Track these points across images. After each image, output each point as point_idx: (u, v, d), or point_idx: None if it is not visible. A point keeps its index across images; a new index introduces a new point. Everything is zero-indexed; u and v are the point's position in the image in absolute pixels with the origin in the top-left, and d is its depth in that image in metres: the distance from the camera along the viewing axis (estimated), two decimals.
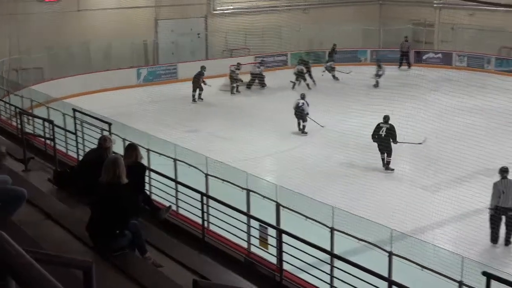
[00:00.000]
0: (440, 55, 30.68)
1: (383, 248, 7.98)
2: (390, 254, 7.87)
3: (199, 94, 24.33)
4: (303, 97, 19.89)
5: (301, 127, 19.57)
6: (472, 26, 28.80)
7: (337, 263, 7.87)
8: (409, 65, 30.32)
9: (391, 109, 16.53)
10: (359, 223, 8.74)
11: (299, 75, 25.59)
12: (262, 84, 26.55)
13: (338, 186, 13.87)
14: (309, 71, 26.12)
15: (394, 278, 7.46)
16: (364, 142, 16.48)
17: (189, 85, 24.30)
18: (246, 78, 26.24)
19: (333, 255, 8.03)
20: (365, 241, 8.25)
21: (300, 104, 19.36)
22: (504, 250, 11.34)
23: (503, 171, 11.52)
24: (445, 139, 16.31)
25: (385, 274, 7.53)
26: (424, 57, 31.05)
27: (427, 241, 9.84)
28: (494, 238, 11.36)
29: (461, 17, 29.22)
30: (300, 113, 19.37)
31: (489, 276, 6.04)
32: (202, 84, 24.10)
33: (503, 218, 11.27)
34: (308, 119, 19.38)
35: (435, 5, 32.07)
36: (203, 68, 24.45)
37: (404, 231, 10.16)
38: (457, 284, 7.25)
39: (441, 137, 16.65)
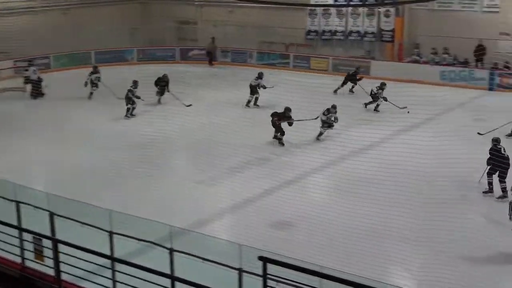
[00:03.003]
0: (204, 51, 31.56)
1: (164, 245, 7.99)
2: (171, 250, 7.91)
3: None
4: None
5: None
6: (232, 22, 30.17)
7: (119, 266, 7.72)
8: (211, 63, 30.76)
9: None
10: (140, 223, 8.67)
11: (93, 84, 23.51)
12: (39, 93, 23.61)
13: (115, 189, 13.60)
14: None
15: (177, 274, 7.52)
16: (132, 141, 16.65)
17: None
18: (10, 83, 24.36)
19: (113, 259, 7.86)
20: (144, 240, 8.19)
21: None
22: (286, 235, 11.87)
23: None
24: (216, 132, 16.92)
25: (168, 271, 7.56)
26: (189, 54, 31.72)
27: (206, 234, 10.06)
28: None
29: (222, 14, 30.49)
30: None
31: (265, 260, 6.33)
32: None
33: None
34: None
35: (196, 3, 33.00)
36: None
37: (185, 226, 10.29)
38: (237, 271, 7.49)
39: (210, 130, 17.25)
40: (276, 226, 11.82)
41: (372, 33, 29.39)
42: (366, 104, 21.25)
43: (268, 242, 10.29)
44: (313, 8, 30.46)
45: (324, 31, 30.56)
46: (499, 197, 13.17)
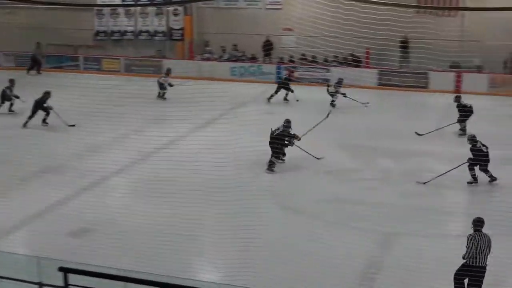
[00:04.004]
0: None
1: None
2: None
3: None
4: None
5: None
6: (14, 24, 28.33)
7: None
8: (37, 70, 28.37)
9: None
10: None
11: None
12: None
13: None
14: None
15: None
16: None
17: None
18: None
19: None
20: None
21: None
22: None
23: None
24: None
25: None
26: None
27: (3, 251, 9.37)
28: None
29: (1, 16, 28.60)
30: None
31: (65, 271, 6.05)
32: None
33: None
34: None
35: None
36: None
37: None
38: (37, 286, 7.08)
39: None
40: (76, 234, 11.32)
41: (162, 32, 29.51)
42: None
43: (69, 251, 9.85)
44: (100, 8, 29.78)
45: (113, 32, 30.06)
46: (490, 180, 13.73)
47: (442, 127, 17.39)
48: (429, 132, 17.15)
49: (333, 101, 21.09)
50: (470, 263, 8.59)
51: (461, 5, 25.03)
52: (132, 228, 11.03)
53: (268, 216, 11.60)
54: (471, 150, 13.79)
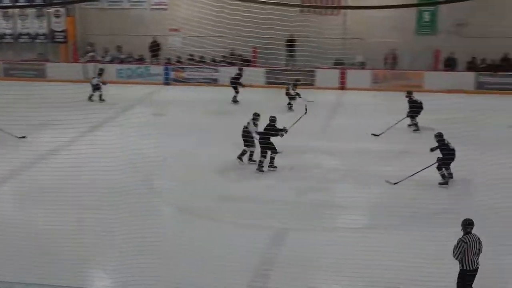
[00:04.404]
0: None
1: None
2: None
3: None
4: None
5: None
6: None
7: None
8: None
9: None
10: None
11: None
12: None
13: None
14: None
15: None
16: None
17: None
18: None
19: None
20: None
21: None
22: None
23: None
24: None
25: None
26: None
27: None
28: None
29: None
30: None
31: None
32: None
33: None
34: None
35: None
36: None
37: None
38: None
39: None
40: None
41: (44, 34, 28.41)
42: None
43: None
44: None
45: None
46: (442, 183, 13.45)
47: (394, 125, 17.43)
48: (383, 133, 17.20)
49: (290, 103, 20.87)
50: (469, 268, 8.32)
51: (342, 4, 25.80)
52: (19, 238, 10.49)
53: (162, 218, 11.40)
54: (440, 148, 13.49)
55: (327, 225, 11.43)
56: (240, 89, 21.86)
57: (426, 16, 25.49)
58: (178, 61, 26.09)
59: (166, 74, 25.80)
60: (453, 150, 13.44)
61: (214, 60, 24.94)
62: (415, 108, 17.80)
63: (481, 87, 24.05)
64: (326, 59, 21.55)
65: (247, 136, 14.87)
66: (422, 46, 24.74)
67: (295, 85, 21.25)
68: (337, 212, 12.12)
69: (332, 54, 21.74)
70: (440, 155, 13.52)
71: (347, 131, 17.74)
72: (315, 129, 17.69)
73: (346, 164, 14.61)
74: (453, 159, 13.46)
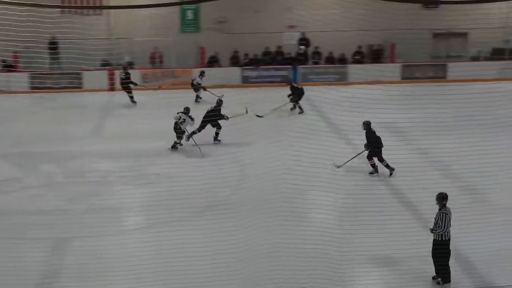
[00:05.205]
0: None
1: None
2: None
3: None
4: None
5: None
6: None
7: None
8: None
9: None
10: None
11: None
12: None
13: None
14: None
15: None
16: None
17: None
18: None
19: None
20: None
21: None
22: None
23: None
24: None
25: None
26: None
27: None
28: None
29: None
30: None
31: None
32: None
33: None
34: None
35: None
36: None
37: None
38: None
39: None
40: None
41: None
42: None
43: None
44: None
45: None
46: (372, 172, 13.75)
47: (278, 107, 18.73)
48: (268, 114, 18.07)
49: (198, 96, 21.53)
50: (444, 238, 8.74)
51: (104, 3, 25.26)
52: None
53: None
54: (367, 137, 13.51)
55: (110, 229, 11.12)
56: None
57: (190, 14, 26.07)
58: None
59: None
60: (380, 138, 13.57)
61: None
62: (298, 93, 19.31)
63: (246, 81, 25.23)
64: (92, 60, 20.97)
65: (179, 129, 15.64)
66: (188, 43, 25.24)
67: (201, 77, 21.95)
68: (119, 215, 11.86)
69: (98, 55, 21.22)
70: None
71: (122, 132, 17.45)
72: (89, 133, 17.17)
73: (123, 166, 14.35)
74: (379, 148, 13.58)
